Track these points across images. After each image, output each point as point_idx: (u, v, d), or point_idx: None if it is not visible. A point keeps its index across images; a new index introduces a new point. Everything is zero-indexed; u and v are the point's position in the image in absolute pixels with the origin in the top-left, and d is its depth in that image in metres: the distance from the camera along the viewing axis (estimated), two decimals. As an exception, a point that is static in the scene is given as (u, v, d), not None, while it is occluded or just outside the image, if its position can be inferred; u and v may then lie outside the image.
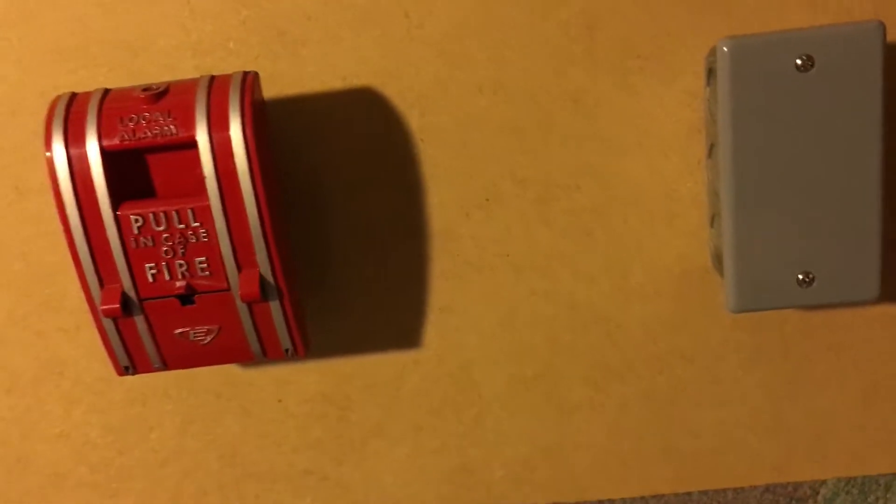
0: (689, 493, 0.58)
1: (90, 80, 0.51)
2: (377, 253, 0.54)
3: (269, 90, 0.51)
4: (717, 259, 0.51)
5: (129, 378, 0.57)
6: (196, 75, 0.47)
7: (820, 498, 0.56)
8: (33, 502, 0.60)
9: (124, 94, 0.44)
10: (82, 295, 0.54)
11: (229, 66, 0.51)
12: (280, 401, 0.58)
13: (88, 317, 0.55)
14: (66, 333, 0.56)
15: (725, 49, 0.43)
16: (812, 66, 0.43)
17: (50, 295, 0.55)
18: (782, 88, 0.44)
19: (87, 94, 0.45)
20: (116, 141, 0.43)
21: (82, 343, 0.56)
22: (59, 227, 0.53)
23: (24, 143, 0.52)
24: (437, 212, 0.53)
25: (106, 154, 0.43)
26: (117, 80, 0.51)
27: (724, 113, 0.44)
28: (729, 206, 0.46)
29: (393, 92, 0.51)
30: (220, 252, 0.44)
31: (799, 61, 0.43)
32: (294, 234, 0.54)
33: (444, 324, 0.56)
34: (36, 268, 0.54)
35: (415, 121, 0.52)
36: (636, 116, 0.51)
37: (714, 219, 0.51)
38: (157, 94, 0.43)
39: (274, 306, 0.46)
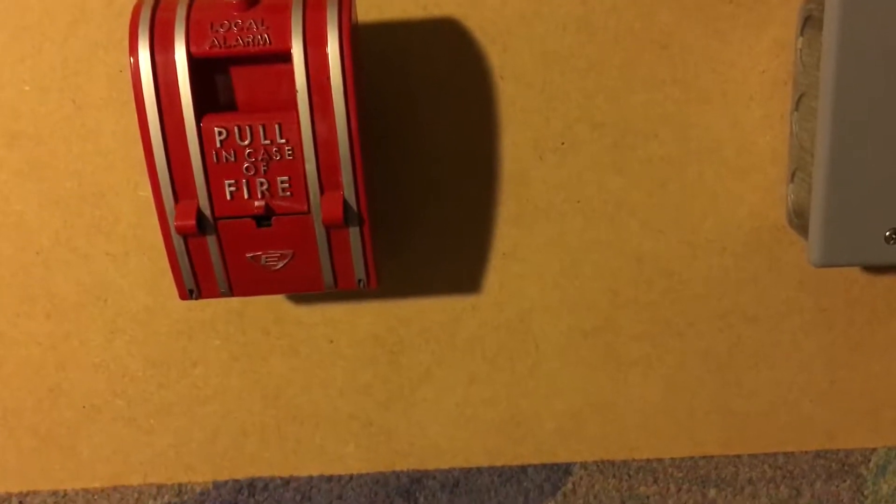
0: (739, 456, 0.58)
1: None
2: (444, 192, 0.53)
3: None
4: (797, 214, 0.50)
5: (175, 310, 0.55)
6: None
7: (871, 465, 0.56)
8: (64, 434, 0.58)
9: (213, 0, 0.42)
10: (135, 219, 0.53)
11: (308, -14, 0.49)
12: (331, 342, 0.56)
13: (139, 243, 0.53)
14: (114, 259, 0.54)
15: (836, -7, 0.42)
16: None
17: (101, 217, 0.53)
18: (892, 37, 0.43)
19: (174, -1, 0.42)
20: (206, 47, 0.41)
21: (130, 270, 0.54)
22: (118, 146, 0.51)
23: (86, 55, 0.50)
24: (510, 153, 0.52)
25: (193, 61, 0.41)
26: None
27: (827, 60, 0.43)
28: (822, 157, 0.45)
29: (475, 24, 0.50)
30: (304, 171, 0.43)
31: (911, 9, 0.42)
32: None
33: (506, 270, 0.54)
34: (89, 187, 0.52)
35: (496, 56, 0.50)
36: (722, 65, 0.50)
37: (795, 173, 0.50)
38: (250, 2, 0.42)
39: (353, 233, 0.44)
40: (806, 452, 0.57)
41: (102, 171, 0.52)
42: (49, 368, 0.56)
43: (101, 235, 0.53)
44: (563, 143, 0.52)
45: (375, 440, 0.58)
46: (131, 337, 0.55)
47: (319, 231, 0.44)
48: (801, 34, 0.48)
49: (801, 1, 0.48)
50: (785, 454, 0.58)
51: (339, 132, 0.42)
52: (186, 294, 0.46)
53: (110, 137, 0.51)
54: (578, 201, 0.53)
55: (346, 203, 0.43)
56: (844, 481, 0.54)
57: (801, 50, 0.48)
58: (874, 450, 0.57)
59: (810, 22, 0.47)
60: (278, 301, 0.55)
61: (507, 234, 0.54)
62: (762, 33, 0.50)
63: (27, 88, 0.50)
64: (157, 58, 0.41)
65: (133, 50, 0.41)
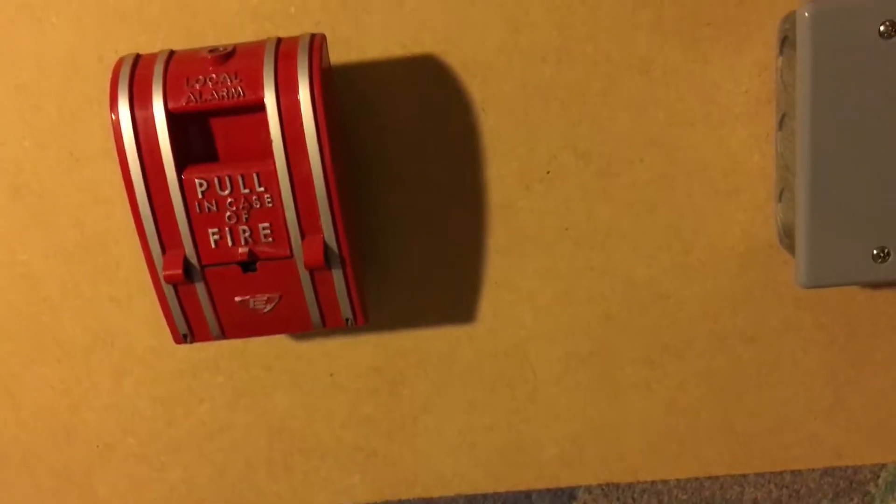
0: (744, 476, 0.57)
1: (148, 45, 0.50)
2: (434, 225, 0.53)
3: (330, 57, 0.50)
4: (787, 234, 0.50)
5: (179, 350, 0.56)
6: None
7: (880, 482, 0.55)
8: (80, 473, 0.60)
9: (190, 55, 0.44)
10: (136, 264, 0.54)
11: (289, 31, 0.50)
12: (331, 375, 0.57)
13: (141, 287, 0.55)
14: (118, 303, 0.55)
15: (806, 14, 0.42)
16: None
17: (104, 264, 0.54)
18: (864, 56, 0.42)
19: (153, 56, 0.44)
20: (183, 103, 0.42)
21: (134, 313, 0.55)
22: (116, 195, 0.53)
23: (81, 109, 0.51)
24: (497, 184, 0.53)
25: (172, 116, 0.43)
26: (175, 45, 0.50)
27: (802, 81, 0.43)
28: (804, 177, 0.45)
29: (455, 60, 0.50)
30: (284, 217, 0.44)
31: (882, 28, 0.42)
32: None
33: (500, 299, 0.55)
34: (90, 236, 0.54)
35: (477, 90, 0.51)
36: (704, 87, 0.50)
37: (783, 193, 0.50)
38: (224, 56, 0.43)
39: (336, 274, 0.45)
40: (813, 470, 0.57)
41: (102, 219, 0.53)
42: (63, 411, 0.58)
43: (105, 281, 0.55)
44: (548, 173, 0.52)
45: (380, 470, 0.59)
46: (138, 378, 0.57)
47: (303, 274, 0.45)
48: (781, 54, 0.48)
49: (780, 21, 0.48)
50: (791, 472, 0.57)
51: (315, 178, 0.43)
52: (181, 339, 0.48)
53: (108, 187, 0.53)
54: (567, 229, 0.53)
55: (326, 246, 0.44)
56: (852, 499, 0.54)
57: (781, 70, 0.48)
58: (883, 465, 0.56)
59: (787, 42, 0.47)
60: (278, 338, 0.56)
61: (498, 264, 0.54)
62: (743, 54, 0.49)
63: (27, 144, 0.52)
64: (137, 114, 0.43)
65: (114, 107, 0.43)
